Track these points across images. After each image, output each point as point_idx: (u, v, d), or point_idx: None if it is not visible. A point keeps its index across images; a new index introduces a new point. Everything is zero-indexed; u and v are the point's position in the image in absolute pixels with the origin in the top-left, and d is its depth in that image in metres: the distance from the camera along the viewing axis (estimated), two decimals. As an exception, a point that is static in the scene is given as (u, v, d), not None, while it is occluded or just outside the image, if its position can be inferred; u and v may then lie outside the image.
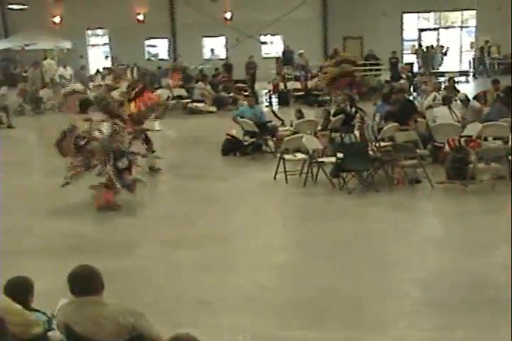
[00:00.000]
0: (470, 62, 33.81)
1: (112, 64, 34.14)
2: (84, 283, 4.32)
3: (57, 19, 34.22)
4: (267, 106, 23.71)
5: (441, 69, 31.85)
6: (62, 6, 32.88)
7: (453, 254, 8.17)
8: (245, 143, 14.74)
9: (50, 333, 4.53)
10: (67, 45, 33.52)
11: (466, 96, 14.81)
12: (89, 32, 36.85)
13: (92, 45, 37.63)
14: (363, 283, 7.22)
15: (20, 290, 4.74)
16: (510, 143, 11.54)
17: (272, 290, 7.20)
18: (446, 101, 13.61)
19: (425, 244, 8.68)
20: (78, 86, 11.95)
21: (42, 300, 4.91)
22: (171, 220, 10.04)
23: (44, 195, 11.65)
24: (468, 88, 24.41)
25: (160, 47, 36.95)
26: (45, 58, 29.84)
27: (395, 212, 10.09)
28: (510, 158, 11.15)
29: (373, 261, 7.93)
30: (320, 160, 11.79)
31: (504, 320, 5.90)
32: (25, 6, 31.71)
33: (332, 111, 15.18)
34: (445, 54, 33.06)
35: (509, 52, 31.29)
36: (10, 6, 33.17)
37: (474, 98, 15.47)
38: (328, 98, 23.01)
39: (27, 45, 31.47)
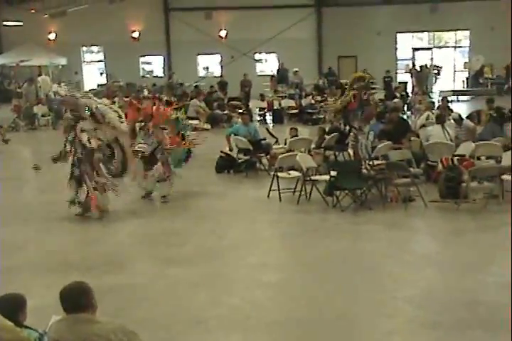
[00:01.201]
0: (463, 81, 34.04)
1: (107, 81, 34.22)
2: (76, 299, 4.29)
3: (52, 36, 34.40)
4: (261, 123, 23.77)
5: (435, 88, 32.01)
6: (57, 22, 33.02)
7: (446, 272, 8.19)
8: (239, 161, 14.77)
9: (41, 350, 4.52)
10: (62, 61, 33.61)
11: (459, 115, 14.87)
12: (84, 49, 36.96)
13: (87, 62, 37.71)
14: (356, 301, 7.23)
15: (12, 306, 4.72)
16: (502, 163, 11.60)
17: (266, 308, 7.19)
18: (440, 120, 13.67)
19: (418, 262, 8.69)
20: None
21: (34, 317, 4.90)
22: (165, 237, 10.02)
23: (37, 211, 11.61)
24: (461, 107, 24.51)
25: (155, 65, 37.06)
26: (40, 74, 29.88)
27: (388, 230, 10.10)
28: (502, 177, 11.21)
29: (366, 279, 7.93)
30: (314, 178, 11.83)
31: (496, 339, 5.90)
32: (21, 23, 31.79)
33: (326, 130, 15.21)
34: (438, 73, 33.26)
35: (503, 72, 31.50)
36: (5, 23, 33.26)
37: (468, 117, 15.54)
38: (322, 116, 23.12)
39: (22, 61, 31.51)
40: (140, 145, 11.78)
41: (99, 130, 10.88)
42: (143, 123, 11.98)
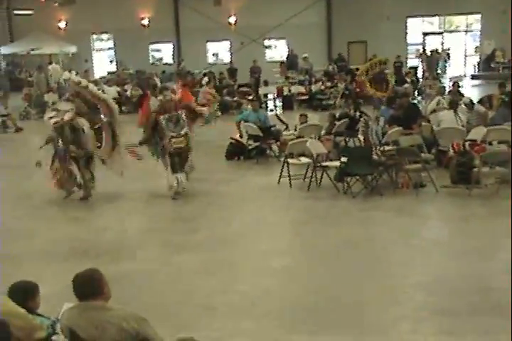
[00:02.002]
0: (474, 66, 33.80)
1: (117, 68, 34.21)
2: (89, 287, 4.33)
3: (62, 24, 34.37)
4: (271, 110, 23.73)
5: (446, 73, 31.84)
6: (67, 10, 32.99)
7: (457, 258, 8.15)
8: (249, 147, 14.75)
9: (53, 337, 4.54)
10: (72, 49, 33.62)
11: (470, 100, 14.80)
12: (94, 36, 36.92)
13: (97, 50, 37.68)
14: (365, 288, 7.21)
15: (25, 294, 4.75)
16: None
17: (275, 294, 7.19)
18: (453, 106, 13.59)
19: (429, 248, 8.65)
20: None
21: (46, 304, 4.91)
22: (174, 224, 10.05)
23: (45, 199, 11.63)
24: (473, 92, 24.35)
25: (164, 52, 36.99)
26: (51, 62, 29.90)
27: (399, 216, 10.08)
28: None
29: (376, 265, 7.92)
30: (324, 164, 11.78)
31: (507, 324, 5.87)
32: (31, 11, 31.78)
33: (336, 115, 15.17)
34: (448, 58, 33.07)
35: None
36: (16, 12, 33.26)
37: (479, 102, 15.45)
38: (332, 102, 23.04)
39: (32, 50, 31.55)
40: (174, 139, 11.06)
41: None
42: (167, 115, 11.15)
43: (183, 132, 11.09)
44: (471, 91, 25.25)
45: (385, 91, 19.14)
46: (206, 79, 26.09)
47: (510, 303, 6.29)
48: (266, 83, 25.92)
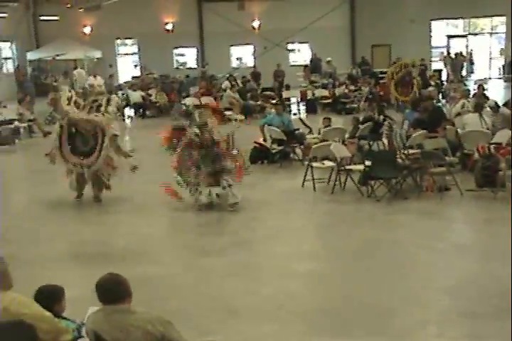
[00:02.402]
0: (499, 69, 33.56)
1: (141, 73, 34.36)
2: (112, 291, 4.34)
3: (87, 29, 34.61)
4: (294, 114, 23.72)
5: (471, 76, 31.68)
6: (92, 16, 33.22)
7: (482, 262, 8.10)
8: (273, 151, 14.75)
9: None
10: (97, 54, 33.85)
11: (496, 103, 14.68)
12: (119, 41, 37.11)
13: (122, 55, 37.89)
14: (390, 291, 7.18)
15: (51, 297, 4.77)
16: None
17: (300, 297, 7.18)
18: (478, 109, 13.51)
19: (454, 251, 8.61)
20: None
21: (71, 308, 4.94)
22: (198, 227, 10.07)
23: (69, 202, 11.71)
24: (498, 95, 24.16)
25: (188, 56, 37.11)
26: (76, 68, 30.11)
27: (423, 220, 10.03)
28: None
29: (401, 269, 7.89)
30: (348, 167, 11.76)
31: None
32: (57, 17, 32.03)
33: (360, 119, 15.14)
34: (472, 61, 32.93)
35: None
36: (42, 17, 33.55)
37: (504, 105, 15.34)
38: (355, 106, 22.98)
39: (58, 55, 31.78)
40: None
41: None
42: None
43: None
44: (496, 94, 25.03)
45: (407, 95, 19.10)
46: (226, 83, 26.21)
47: (511, 305, 6.25)
48: (288, 87, 25.91)
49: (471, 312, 6.53)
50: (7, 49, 34.36)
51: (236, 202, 10.73)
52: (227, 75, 28.97)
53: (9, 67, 34.67)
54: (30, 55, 33.83)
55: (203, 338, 4.08)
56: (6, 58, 34.38)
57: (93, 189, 11.60)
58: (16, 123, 19.85)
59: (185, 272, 8.04)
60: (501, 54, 34.18)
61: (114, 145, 11.49)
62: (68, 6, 30.91)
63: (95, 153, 11.20)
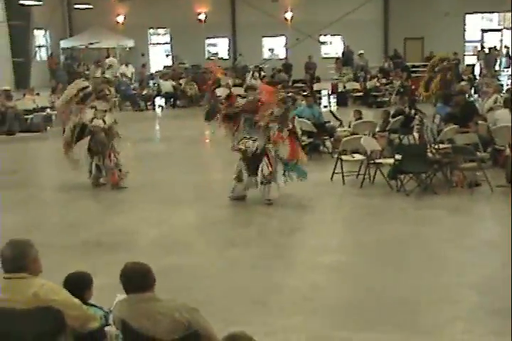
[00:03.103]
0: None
1: (173, 62, 34.46)
2: (138, 280, 4.34)
3: (120, 18, 34.76)
4: (325, 106, 23.66)
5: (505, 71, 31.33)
6: (125, 5, 33.36)
7: (510, 258, 8.01)
8: (303, 143, 14.68)
9: (106, 328, 4.58)
10: (130, 43, 34.00)
11: (528, 98, 14.50)
12: (151, 31, 37.23)
13: (154, 44, 38.00)
14: (418, 286, 7.14)
15: (80, 284, 4.80)
16: None
17: (328, 290, 7.18)
18: (508, 104, 13.36)
19: (483, 247, 8.54)
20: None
21: (98, 295, 4.97)
22: (226, 219, 10.10)
23: (97, 192, 11.82)
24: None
25: (220, 47, 37.13)
26: (108, 56, 30.28)
27: (453, 215, 9.96)
28: None
29: (429, 264, 7.84)
30: (378, 161, 11.71)
31: None
32: (91, 6, 32.21)
33: (391, 113, 15.05)
34: (507, 55, 32.54)
35: None
36: (76, 6, 33.76)
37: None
38: (386, 99, 22.86)
39: (91, 44, 31.98)
40: (244, 140, 10.47)
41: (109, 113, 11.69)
42: (247, 115, 10.61)
43: (255, 136, 10.46)
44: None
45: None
46: (249, 75, 26.09)
47: (511, 303, 6.20)
48: (318, 79, 25.82)
49: (500, 309, 6.45)
50: (41, 37, 34.61)
51: (269, 199, 10.55)
52: (252, 66, 28.95)
53: (42, 55, 34.93)
54: (64, 43, 34.09)
55: (230, 329, 4.08)
56: (39, 46, 34.64)
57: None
58: (48, 110, 20.04)
59: (213, 263, 8.06)
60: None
61: (99, 137, 11.65)
62: (102, -6, 31.09)
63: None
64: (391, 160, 11.31)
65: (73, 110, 11.73)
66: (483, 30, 34.79)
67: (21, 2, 28.46)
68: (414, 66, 28.41)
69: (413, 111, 15.34)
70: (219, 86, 11.98)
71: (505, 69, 31.96)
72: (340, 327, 6.20)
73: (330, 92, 25.66)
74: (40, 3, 29.80)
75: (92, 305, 4.75)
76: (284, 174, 10.68)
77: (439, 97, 17.03)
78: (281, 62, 30.53)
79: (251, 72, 16.32)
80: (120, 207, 10.88)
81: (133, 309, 4.31)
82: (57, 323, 4.31)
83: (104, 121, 11.52)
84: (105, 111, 11.64)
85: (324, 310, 6.62)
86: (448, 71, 16.56)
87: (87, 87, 11.74)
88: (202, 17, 35.04)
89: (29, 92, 21.67)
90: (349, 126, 14.75)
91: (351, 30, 32.94)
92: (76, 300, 4.45)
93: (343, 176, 11.85)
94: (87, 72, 27.89)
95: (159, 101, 26.58)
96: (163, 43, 37.87)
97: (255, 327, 5.70)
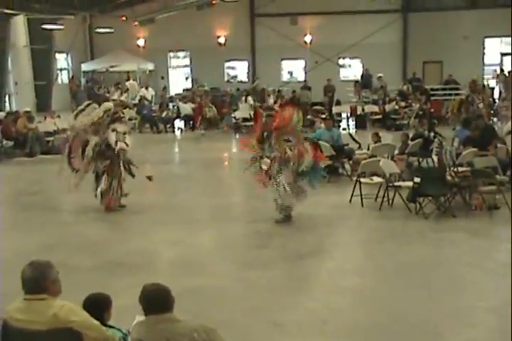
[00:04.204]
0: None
1: (192, 85, 34.68)
2: (158, 301, 4.35)
3: (141, 42, 35.11)
4: (344, 129, 23.70)
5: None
6: (146, 29, 33.70)
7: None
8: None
9: (125, 349, 4.60)
10: (150, 66, 34.28)
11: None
12: (171, 54, 37.53)
13: (174, 67, 38.29)
14: (436, 309, 7.10)
15: (99, 306, 4.82)
16: None
17: (345, 313, 7.16)
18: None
19: (502, 271, 8.46)
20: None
21: (117, 316, 4.99)
22: (245, 240, 10.10)
23: (117, 212, 11.89)
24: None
25: (239, 69, 37.34)
26: (128, 79, 30.55)
27: (471, 238, 9.91)
28: None
29: (449, 287, 7.80)
30: (397, 184, 11.69)
31: None
32: (112, 30, 32.58)
33: (410, 136, 15.06)
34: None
35: None
36: (97, 30, 34.16)
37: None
38: (405, 122, 22.87)
39: (111, 67, 32.30)
40: (265, 160, 10.63)
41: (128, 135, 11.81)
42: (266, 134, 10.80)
43: (272, 155, 10.61)
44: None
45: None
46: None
47: (510, 313, 6.10)
48: (338, 102, 25.93)
49: (519, 333, 6.42)
50: (62, 60, 35.01)
51: (281, 218, 10.75)
52: (271, 89, 29.14)
53: (64, 78, 35.30)
54: (85, 67, 34.44)
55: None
56: (61, 69, 35.05)
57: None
58: (69, 132, 20.13)
59: (231, 284, 8.06)
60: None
61: (124, 158, 11.81)
62: (123, 19, 31.42)
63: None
64: (410, 183, 11.29)
65: (80, 133, 11.85)
66: (502, 54, 34.75)
67: (44, 26, 28.85)
68: (432, 89, 28.40)
69: (432, 134, 15.34)
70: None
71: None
72: (359, 349, 6.18)
73: (349, 115, 25.70)
74: (62, 27, 30.21)
75: (111, 327, 4.77)
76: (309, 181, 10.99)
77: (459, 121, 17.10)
78: (300, 85, 30.59)
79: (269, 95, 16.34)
80: (138, 228, 10.91)
81: (152, 330, 4.32)
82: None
83: (126, 144, 11.63)
84: (124, 133, 11.75)
85: (342, 333, 6.60)
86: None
87: (110, 109, 11.86)
88: (222, 40, 35.32)
89: (50, 115, 21.87)
90: (368, 149, 14.76)
91: (370, 53, 33.05)
92: (95, 322, 4.48)
93: (361, 199, 11.84)
94: (107, 95, 28.11)
95: (178, 123, 26.73)
96: (183, 66, 38.14)
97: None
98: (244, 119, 24.10)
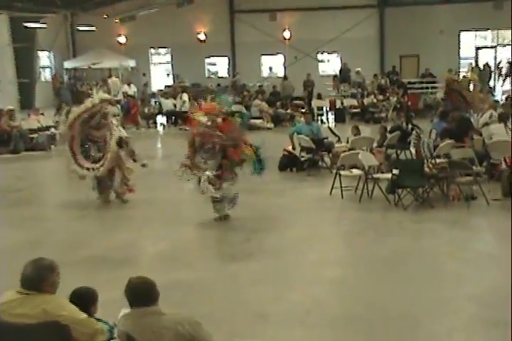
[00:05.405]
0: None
1: (174, 81, 34.59)
2: (143, 294, 4.35)
3: (122, 39, 34.95)
4: (323, 122, 23.73)
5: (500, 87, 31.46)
6: (127, 26, 33.55)
7: (508, 271, 8.01)
8: (302, 159, 14.76)
9: (111, 342, 4.59)
10: (132, 63, 34.14)
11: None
12: (153, 51, 37.39)
13: (155, 64, 38.16)
14: (417, 299, 7.14)
15: (85, 299, 4.81)
16: None
17: (327, 304, 7.17)
18: (503, 119, 13.41)
19: (480, 260, 8.55)
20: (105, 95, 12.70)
21: (101, 310, 4.98)
22: (228, 234, 10.08)
23: (101, 209, 11.85)
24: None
25: (220, 65, 37.27)
26: (110, 76, 30.41)
27: (450, 229, 9.96)
28: None
29: (428, 277, 7.84)
30: (376, 176, 11.73)
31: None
32: (93, 28, 32.42)
33: (388, 128, 15.11)
34: (500, 72, 32.72)
35: None
36: (79, 28, 33.99)
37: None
38: (384, 115, 22.95)
39: (94, 64, 32.16)
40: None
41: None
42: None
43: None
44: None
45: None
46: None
47: (510, 309, 6.18)
48: (319, 96, 25.95)
49: (497, 320, 6.46)
50: (45, 58, 34.79)
51: (219, 217, 10.54)
52: (259, 85, 29.11)
53: (47, 75, 35.09)
54: (67, 64, 34.27)
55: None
56: (43, 67, 34.83)
57: (114, 192, 12.09)
58: (53, 129, 20.09)
59: (216, 277, 8.04)
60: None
61: (127, 149, 11.92)
62: (105, 16, 31.27)
63: (104, 157, 11.73)
64: (389, 175, 11.33)
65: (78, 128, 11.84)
66: (478, 48, 34.92)
67: (26, 25, 28.65)
68: (409, 83, 28.53)
69: (410, 127, 15.40)
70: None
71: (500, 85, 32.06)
72: (341, 340, 6.19)
73: (328, 109, 25.74)
74: (44, 25, 30.04)
75: (98, 320, 4.76)
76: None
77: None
78: (280, 80, 30.56)
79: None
80: (123, 224, 10.86)
81: (137, 323, 4.32)
82: (63, 337, 4.34)
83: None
84: (114, 115, 11.94)
85: (324, 323, 6.61)
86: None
87: (94, 106, 11.82)
88: (202, 37, 35.22)
89: (34, 112, 21.73)
90: (347, 142, 14.78)
91: (348, 47, 33.11)
92: (84, 315, 4.47)
93: (341, 191, 11.87)
94: (90, 92, 27.97)
95: (161, 119, 26.65)
96: (164, 63, 38.02)
97: (257, 340, 5.71)
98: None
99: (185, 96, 25.47)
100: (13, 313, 4.38)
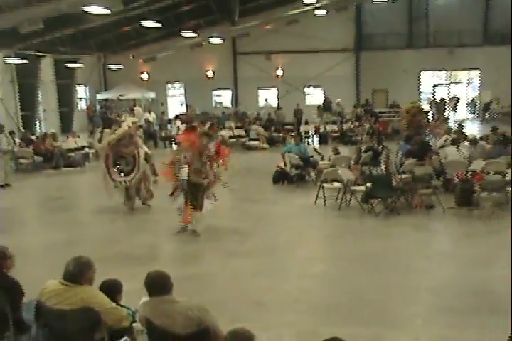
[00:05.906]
0: (474, 111, 33.52)
1: (186, 110, 34.61)
2: (160, 285, 4.34)
3: (144, 75, 35.02)
4: (309, 144, 23.72)
5: (453, 116, 31.54)
6: (148, 65, 33.65)
7: (461, 266, 8.02)
8: (292, 174, 14.74)
9: (133, 325, 4.56)
10: (152, 95, 34.15)
11: (474, 137, 14.56)
12: (169, 85, 37.42)
13: (171, 96, 38.19)
14: (386, 289, 7.12)
15: (112, 289, 4.79)
16: (508, 177, 11.32)
17: (313, 293, 7.15)
18: (455, 142, 13.48)
19: (438, 257, 8.54)
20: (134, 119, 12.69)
21: (125, 298, 4.95)
22: (229, 235, 10.03)
23: (127, 214, 11.77)
24: (474, 131, 23.98)
25: (224, 97, 37.29)
26: (135, 105, 30.43)
27: (414, 232, 9.95)
28: (508, 188, 10.95)
29: (396, 272, 7.82)
30: (353, 188, 11.70)
31: (502, 322, 5.72)
32: (121, 66, 32.58)
33: (363, 149, 15.10)
34: (455, 105, 32.91)
35: (508, 104, 30.64)
36: (110, 67, 34.26)
37: (481, 138, 15.19)
38: (359, 138, 22.95)
39: (121, 96, 32.28)
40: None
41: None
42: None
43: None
44: (472, 130, 24.83)
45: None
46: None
47: (511, 304, 6.14)
48: (306, 122, 25.95)
49: (451, 308, 6.46)
50: (82, 91, 34.87)
51: (194, 231, 9.86)
52: (257, 113, 29.09)
53: (83, 105, 35.18)
54: (99, 96, 34.33)
55: (234, 325, 4.05)
56: (80, 98, 34.89)
57: (141, 199, 12.01)
58: (86, 149, 20.12)
59: (220, 271, 8.01)
60: (473, 100, 34.20)
61: (149, 163, 11.91)
62: (131, 57, 31.40)
63: (134, 170, 11.65)
64: (363, 188, 11.31)
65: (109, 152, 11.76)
66: (434, 85, 35.12)
67: (67, 65, 28.94)
68: (380, 112, 28.59)
69: (380, 148, 15.39)
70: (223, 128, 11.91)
71: (453, 115, 32.13)
72: (325, 323, 6.16)
73: (313, 133, 25.73)
74: (82, 65, 30.25)
75: (122, 306, 4.73)
76: None
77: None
78: (274, 109, 30.56)
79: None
80: (145, 226, 10.81)
81: (155, 309, 4.30)
82: (94, 321, 4.35)
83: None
84: (133, 123, 12.03)
85: (311, 309, 6.59)
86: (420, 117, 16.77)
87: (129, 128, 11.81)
88: (210, 73, 35.27)
89: (72, 135, 21.71)
90: (329, 160, 14.75)
91: (330, 83, 33.14)
92: (112, 304, 4.46)
93: (324, 200, 11.84)
94: (118, 118, 27.96)
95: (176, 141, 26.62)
96: (179, 95, 38.04)
97: (255, 324, 5.64)
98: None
99: (178, 123, 25.34)
100: (56, 301, 4.39)
